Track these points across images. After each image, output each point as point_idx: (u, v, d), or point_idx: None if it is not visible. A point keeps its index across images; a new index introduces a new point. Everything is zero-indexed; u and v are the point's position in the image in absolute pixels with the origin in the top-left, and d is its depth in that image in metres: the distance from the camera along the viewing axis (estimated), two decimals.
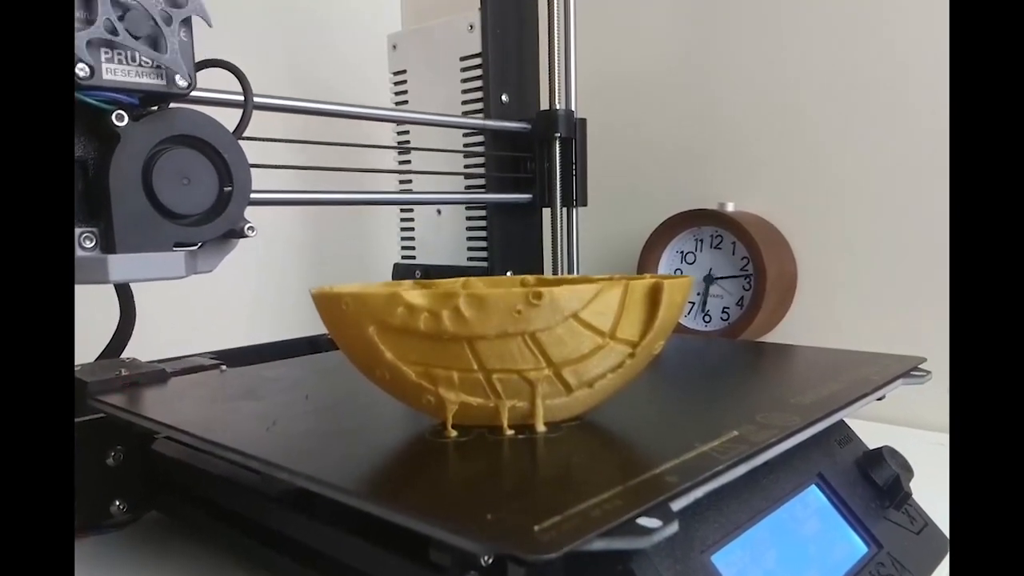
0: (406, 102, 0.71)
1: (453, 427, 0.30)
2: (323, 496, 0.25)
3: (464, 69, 0.67)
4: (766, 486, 0.31)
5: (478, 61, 0.66)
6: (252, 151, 0.40)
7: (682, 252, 0.71)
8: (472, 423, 0.31)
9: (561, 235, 0.66)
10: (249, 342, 0.55)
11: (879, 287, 0.65)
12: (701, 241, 0.70)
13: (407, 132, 0.73)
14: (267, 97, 0.48)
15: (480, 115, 0.66)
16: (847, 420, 0.38)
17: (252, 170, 0.40)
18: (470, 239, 0.70)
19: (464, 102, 0.67)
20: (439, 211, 0.71)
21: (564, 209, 0.66)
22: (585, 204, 0.67)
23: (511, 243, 0.68)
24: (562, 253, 0.66)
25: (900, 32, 0.63)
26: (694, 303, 0.71)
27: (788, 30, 0.69)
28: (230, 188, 0.39)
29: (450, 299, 0.28)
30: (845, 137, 0.66)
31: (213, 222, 0.39)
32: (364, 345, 0.29)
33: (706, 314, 0.70)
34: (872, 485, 0.36)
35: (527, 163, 0.68)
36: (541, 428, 0.30)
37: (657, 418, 0.34)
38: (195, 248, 0.39)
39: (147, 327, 0.50)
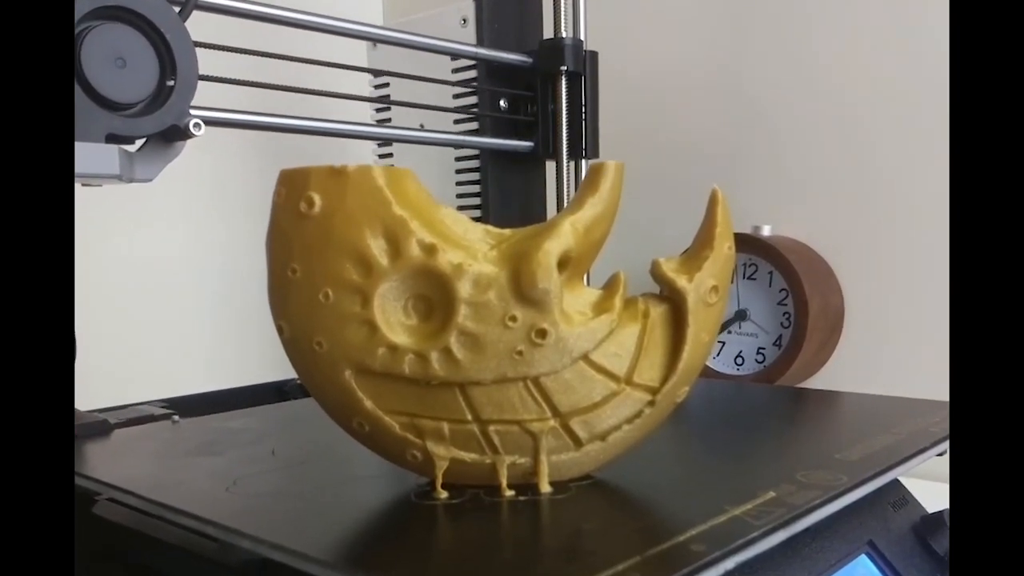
0: (388, 108, 0.72)
1: (443, 487, 0.30)
2: (291, 567, 0.25)
3: (456, 70, 0.68)
4: (808, 556, 0.31)
5: (472, 61, 0.67)
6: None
7: None
8: (465, 482, 0.31)
9: (568, 193, 0.65)
10: (206, 388, 0.55)
11: (939, 325, 0.65)
12: (732, 271, 0.71)
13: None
14: None
15: (475, 124, 0.67)
16: (902, 479, 0.38)
17: (199, 85, 0.40)
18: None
19: (456, 108, 0.68)
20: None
21: (571, 162, 0.65)
22: (597, 156, 0.65)
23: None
24: None
25: None
26: (724, 343, 0.71)
27: (842, 24, 0.69)
28: (173, 81, 0.38)
29: (439, 339, 0.28)
30: (901, 151, 0.67)
31: (153, 114, 0.38)
32: (339, 392, 0.30)
33: (738, 356, 0.70)
34: (931, 555, 0.36)
35: (528, 105, 0.66)
36: (546, 488, 0.30)
37: (681, 477, 0.34)
38: (133, 150, 0.39)
39: (87, 370, 0.50)
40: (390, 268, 0.28)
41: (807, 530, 0.28)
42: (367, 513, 0.30)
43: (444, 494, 0.30)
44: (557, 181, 0.65)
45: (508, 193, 0.67)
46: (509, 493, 0.30)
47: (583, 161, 0.65)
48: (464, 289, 0.28)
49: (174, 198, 0.77)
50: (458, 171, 0.69)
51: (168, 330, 0.78)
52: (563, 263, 0.29)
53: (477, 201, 0.68)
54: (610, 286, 0.31)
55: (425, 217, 0.29)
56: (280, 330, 0.30)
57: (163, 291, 0.78)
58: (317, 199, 0.28)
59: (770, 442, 0.39)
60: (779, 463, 0.34)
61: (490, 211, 0.66)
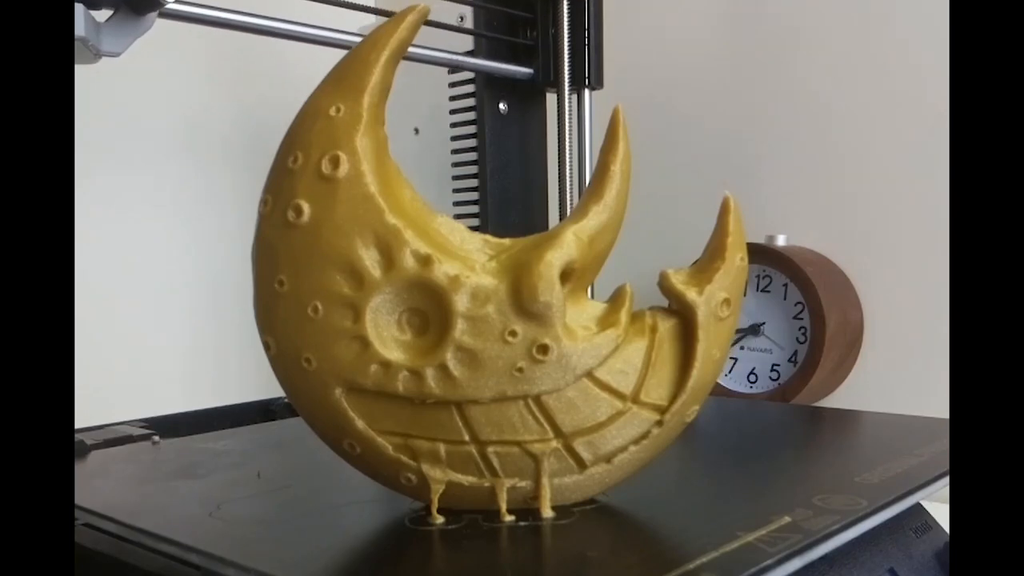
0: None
1: (439, 512, 0.30)
2: None
3: (452, 71, 0.68)
4: None
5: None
6: None
7: None
8: (463, 507, 0.31)
9: (570, 128, 0.64)
10: (188, 407, 0.55)
11: None
12: (745, 283, 0.71)
13: None
14: None
15: (473, 125, 0.66)
16: (925, 504, 0.38)
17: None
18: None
19: (452, 111, 0.68)
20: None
21: (574, 94, 0.64)
22: (600, 86, 0.65)
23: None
24: (571, 154, 0.64)
25: None
26: (736, 359, 0.71)
27: (866, 25, 0.69)
28: None
29: (435, 355, 0.28)
30: (925, 158, 0.67)
31: None
32: (329, 411, 0.30)
33: (751, 373, 0.70)
34: None
35: (528, 29, 0.66)
36: (548, 513, 0.30)
37: (690, 501, 0.34)
38: (99, 21, 0.39)
39: None
40: (383, 280, 0.28)
41: (824, 557, 0.28)
42: (358, 540, 0.30)
43: (440, 519, 0.30)
44: (559, 114, 0.64)
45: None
46: (509, 518, 0.30)
47: (586, 91, 0.64)
48: (461, 302, 0.28)
49: (152, 203, 0.77)
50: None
51: (148, 345, 0.78)
52: (566, 275, 0.29)
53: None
54: (616, 299, 0.31)
55: (420, 226, 0.29)
56: (266, 346, 0.30)
57: (143, 303, 0.78)
58: (305, 207, 0.28)
59: (785, 464, 0.39)
60: (795, 486, 0.34)
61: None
